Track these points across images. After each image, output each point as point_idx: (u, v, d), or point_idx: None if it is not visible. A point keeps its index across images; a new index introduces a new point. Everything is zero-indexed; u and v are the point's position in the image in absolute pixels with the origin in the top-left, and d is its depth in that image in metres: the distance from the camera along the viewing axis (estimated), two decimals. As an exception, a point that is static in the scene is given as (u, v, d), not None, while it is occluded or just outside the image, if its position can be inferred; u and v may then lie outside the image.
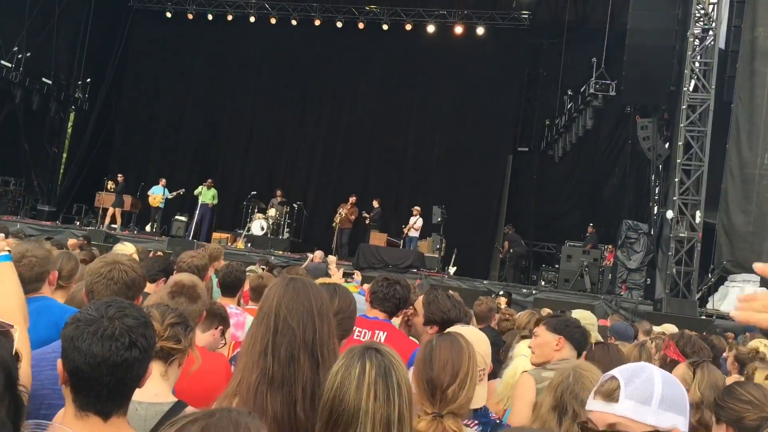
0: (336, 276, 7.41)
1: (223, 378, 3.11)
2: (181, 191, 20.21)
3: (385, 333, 3.88)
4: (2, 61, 20.42)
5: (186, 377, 2.77)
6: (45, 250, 3.39)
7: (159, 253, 8.43)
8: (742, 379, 3.67)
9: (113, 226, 19.69)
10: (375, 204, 19.74)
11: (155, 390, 2.57)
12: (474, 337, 3.12)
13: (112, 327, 1.86)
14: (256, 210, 20.11)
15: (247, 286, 5.43)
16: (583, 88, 18.04)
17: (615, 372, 1.85)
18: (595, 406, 1.84)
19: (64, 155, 24.91)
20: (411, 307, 4.32)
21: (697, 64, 15.39)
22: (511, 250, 19.24)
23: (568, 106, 19.41)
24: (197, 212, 19.77)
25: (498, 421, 2.88)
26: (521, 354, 3.75)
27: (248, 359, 2.29)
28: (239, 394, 2.25)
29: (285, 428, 2.17)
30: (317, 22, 22.25)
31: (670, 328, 7.12)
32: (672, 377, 1.86)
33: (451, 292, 4.32)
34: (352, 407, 1.85)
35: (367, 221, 19.42)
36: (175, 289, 3.18)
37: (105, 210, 20.27)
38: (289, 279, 2.46)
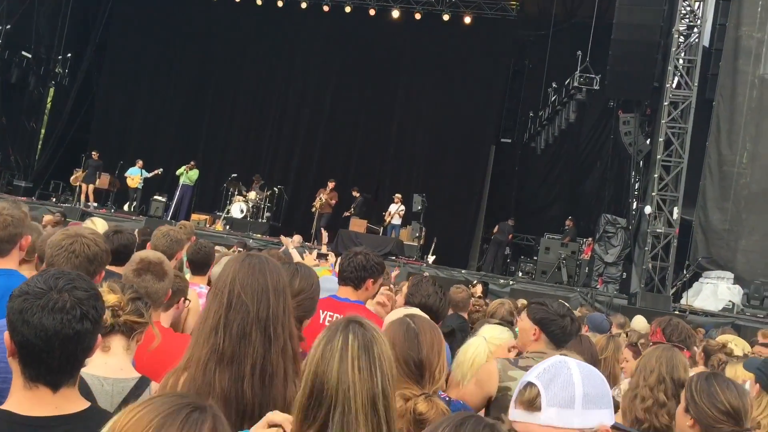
0: (309, 257, 7.37)
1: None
2: (160, 171, 20.02)
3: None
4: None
5: (148, 354, 2.73)
6: (21, 212, 3.23)
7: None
8: (707, 370, 3.67)
9: (90, 204, 19.48)
10: (355, 194, 19.69)
11: (120, 365, 2.55)
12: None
13: (62, 300, 1.82)
14: (236, 193, 19.98)
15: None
16: (568, 81, 18.07)
17: (532, 377, 1.75)
18: (518, 416, 1.74)
19: (43, 131, 24.58)
20: (390, 287, 4.32)
21: (680, 61, 15.44)
22: (494, 236, 19.42)
23: (552, 99, 19.44)
24: (177, 192, 19.60)
25: (447, 399, 2.88)
26: (481, 335, 3.72)
27: (200, 335, 2.26)
28: (188, 369, 2.22)
29: (232, 405, 2.14)
30: (303, 5, 22.03)
31: (638, 320, 7.16)
32: (590, 370, 1.77)
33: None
34: (335, 381, 1.79)
35: (351, 212, 19.36)
36: (141, 266, 3.10)
37: (81, 187, 20.03)
38: (245, 255, 2.42)
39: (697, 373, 2.97)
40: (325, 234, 12.61)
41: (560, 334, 3.33)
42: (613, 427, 1.74)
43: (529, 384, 1.74)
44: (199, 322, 2.33)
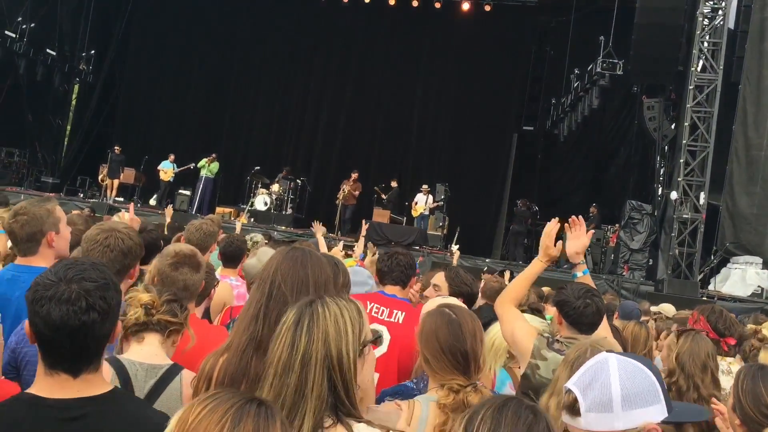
0: (336, 249, 7.42)
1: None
2: (192, 166, 20.15)
3: (404, 313, 3.85)
4: (6, 32, 20.32)
5: (182, 354, 2.78)
6: (44, 209, 3.26)
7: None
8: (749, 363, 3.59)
9: (118, 199, 19.69)
10: (393, 184, 19.73)
11: (154, 352, 2.62)
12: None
13: (68, 291, 1.83)
14: (259, 185, 20.08)
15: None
16: (590, 66, 17.89)
17: (571, 383, 1.78)
18: (565, 418, 1.79)
19: (68, 127, 24.88)
20: (431, 284, 4.36)
21: (705, 44, 15.24)
22: (512, 227, 19.30)
23: (575, 85, 19.26)
24: (200, 186, 19.73)
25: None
26: None
27: (241, 323, 2.34)
28: (227, 353, 2.29)
29: None
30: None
31: (667, 308, 7.11)
32: (632, 368, 1.76)
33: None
34: (270, 356, 1.88)
35: (383, 197, 19.41)
36: (177, 259, 3.14)
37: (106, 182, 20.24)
38: (290, 248, 2.49)
39: (746, 369, 2.81)
40: (364, 227, 12.64)
41: (575, 316, 3.28)
42: (664, 422, 1.74)
43: (568, 390, 1.77)
44: (243, 311, 2.40)
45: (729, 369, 3.77)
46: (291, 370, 1.81)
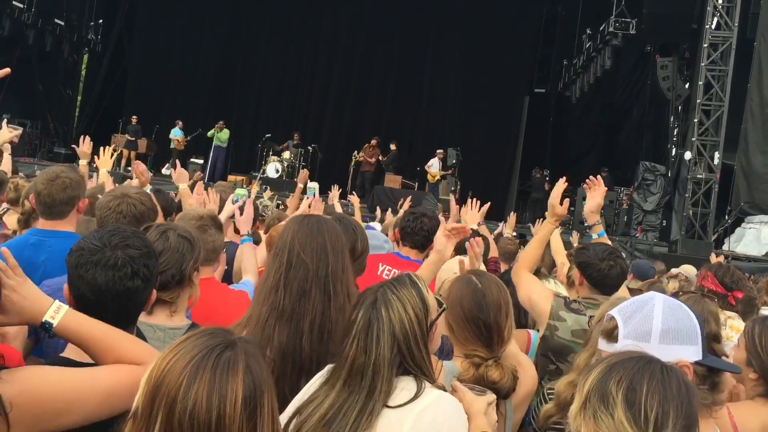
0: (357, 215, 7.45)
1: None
2: (199, 130, 20.15)
3: None
4: (14, 2, 20.22)
5: (205, 311, 2.81)
6: (79, 175, 3.37)
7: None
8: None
9: (128, 168, 19.73)
10: (392, 147, 19.65)
11: (168, 314, 2.63)
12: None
13: (114, 257, 1.89)
14: (270, 153, 20.07)
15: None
16: (603, 26, 17.63)
17: (615, 311, 1.82)
18: (601, 345, 1.84)
19: (79, 98, 24.87)
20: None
21: (720, 1, 14.95)
22: (531, 195, 19.22)
23: (587, 46, 19.02)
24: (211, 154, 19.74)
25: None
26: None
27: (260, 294, 2.34)
28: (248, 325, 2.29)
29: (288, 359, 2.21)
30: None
31: (688, 269, 7.07)
32: (677, 307, 1.80)
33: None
34: (344, 355, 1.96)
35: (381, 160, 19.37)
36: (203, 222, 3.16)
37: (120, 152, 20.27)
38: (303, 216, 2.49)
39: (758, 323, 2.69)
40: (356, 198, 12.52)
41: (599, 278, 3.27)
42: (697, 363, 1.77)
43: (611, 317, 1.81)
44: (260, 282, 2.41)
45: (725, 322, 3.76)
46: (364, 375, 1.87)
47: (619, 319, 1.78)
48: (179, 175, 5.30)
